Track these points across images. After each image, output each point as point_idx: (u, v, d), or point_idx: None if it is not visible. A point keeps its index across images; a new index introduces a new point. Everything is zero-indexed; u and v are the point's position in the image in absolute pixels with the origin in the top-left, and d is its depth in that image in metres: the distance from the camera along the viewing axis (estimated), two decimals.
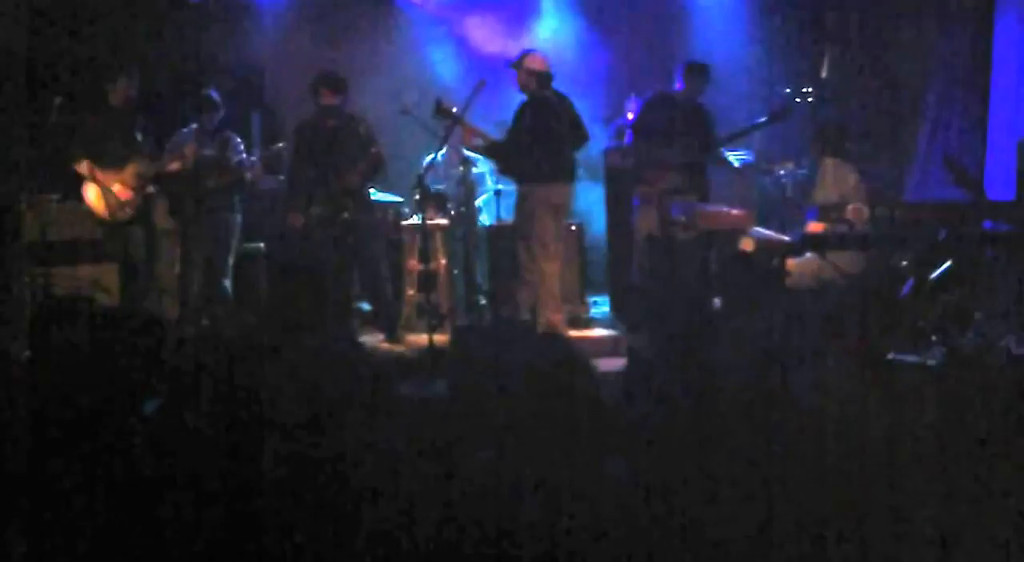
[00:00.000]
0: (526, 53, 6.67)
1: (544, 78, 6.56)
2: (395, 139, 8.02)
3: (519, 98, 6.65)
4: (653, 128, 6.76)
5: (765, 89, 8.20)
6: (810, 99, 7.13)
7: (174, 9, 8.22)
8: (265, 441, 2.57)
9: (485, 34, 8.84)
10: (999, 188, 6.82)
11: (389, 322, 6.94)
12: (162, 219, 7.11)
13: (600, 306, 8.01)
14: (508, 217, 7.48)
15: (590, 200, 8.23)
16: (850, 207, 5.96)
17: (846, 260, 5.87)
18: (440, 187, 7.67)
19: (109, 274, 6.85)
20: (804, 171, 7.25)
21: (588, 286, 7.80)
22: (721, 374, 3.19)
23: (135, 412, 2.81)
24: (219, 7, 8.44)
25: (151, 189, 6.64)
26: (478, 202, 7.83)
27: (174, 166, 6.60)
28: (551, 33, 8.80)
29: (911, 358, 5.08)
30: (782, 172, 7.18)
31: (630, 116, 7.93)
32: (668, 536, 2.34)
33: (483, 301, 7.52)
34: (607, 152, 7.80)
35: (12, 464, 2.59)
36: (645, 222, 6.74)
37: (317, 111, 6.78)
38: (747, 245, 6.17)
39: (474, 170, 7.67)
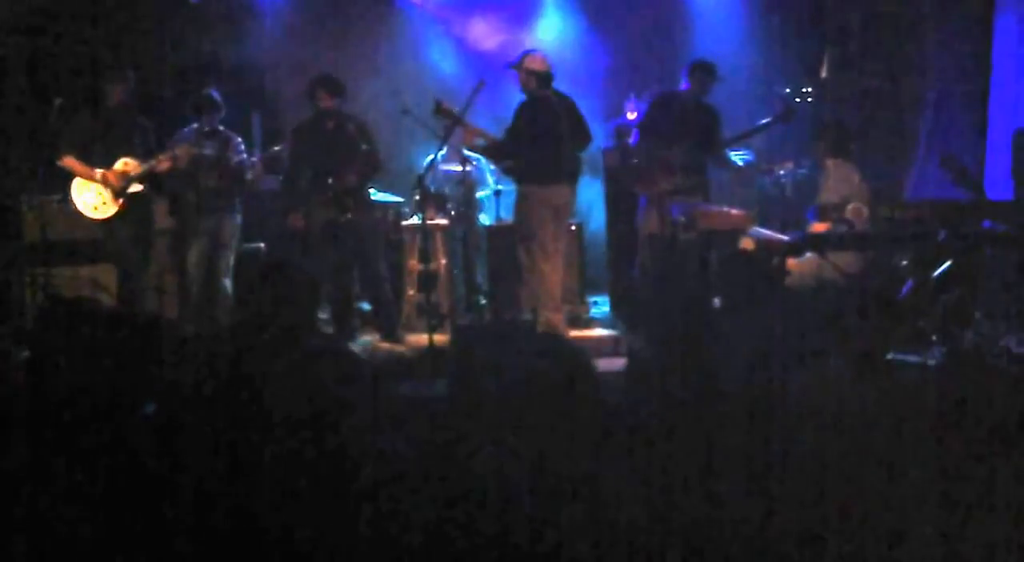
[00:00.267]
0: (526, 53, 6.67)
1: (544, 78, 6.56)
2: (395, 139, 8.03)
3: (520, 98, 6.65)
4: (659, 128, 6.76)
5: (764, 89, 8.20)
6: (810, 99, 7.13)
7: (174, 9, 8.22)
8: (255, 441, 2.58)
9: (485, 34, 8.85)
10: (999, 188, 6.82)
11: (389, 322, 6.94)
12: (162, 219, 7.12)
13: (600, 306, 8.02)
14: (508, 217, 7.48)
15: (590, 200, 8.24)
16: (850, 207, 5.96)
17: (846, 260, 5.87)
18: (440, 187, 7.68)
19: (108, 274, 6.86)
20: (804, 171, 7.25)
21: (589, 286, 7.81)
22: (721, 374, 3.19)
23: (132, 413, 2.81)
24: (219, 7, 8.44)
25: (137, 188, 6.61)
26: (478, 202, 7.83)
27: (163, 165, 6.58)
28: (551, 33, 8.80)
29: (911, 358, 5.08)
30: (782, 172, 7.17)
31: (630, 116, 7.93)
32: (669, 536, 2.34)
33: (483, 301, 7.53)
34: (606, 152, 7.80)
35: (12, 464, 2.60)
36: (651, 222, 6.73)
37: (315, 113, 6.79)
38: (747, 245, 6.16)
39: (474, 170, 7.67)
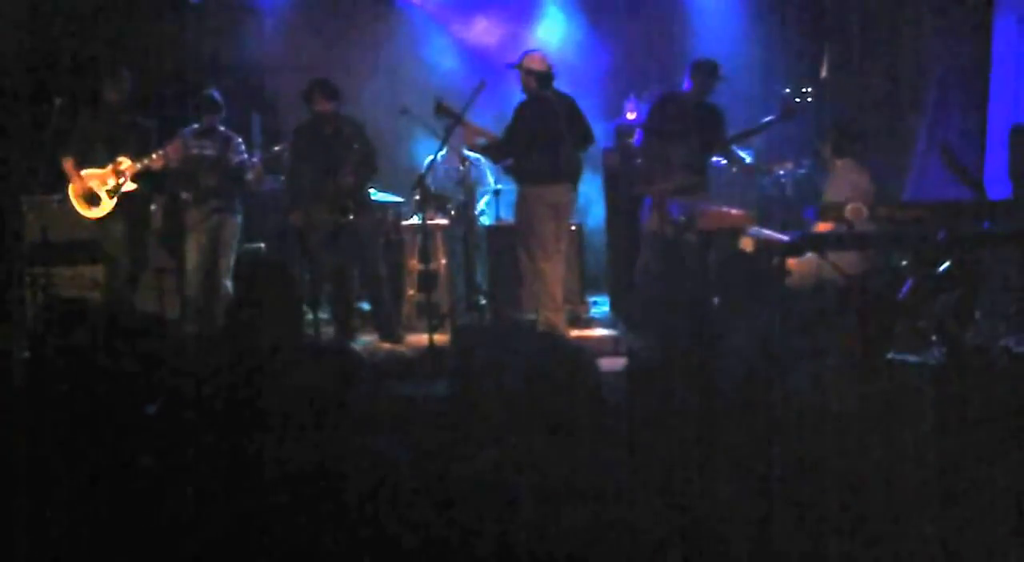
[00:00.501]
0: (527, 53, 6.68)
1: (544, 78, 6.56)
2: (395, 139, 8.03)
3: (520, 97, 6.65)
4: (664, 128, 6.75)
5: (764, 89, 8.20)
6: (809, 99, 7.12)
7: (174, 9, 8.22)
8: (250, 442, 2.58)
9: (485, 34, 8.85)
10: (998, 188, 6.82)
11: (388, 322, 6.94)
12: (161, 218, 7.11)
13: (600, 306, 8.02)
14: (508, 217, 7.48)
15: (590, 200, 8.25)
16: (849, 207, 5.94)
17: (846, 260, 5.86)
18: (440, 187, 7.68)
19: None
20: (804, 171, 7.25)
21: (589, 286, 7.81)
22: (721, 374, 3.19)
23: (133, 412, 2.81)
24: (219, 7, 8.44)
25: (128, 187, 6.61)
26: (478, 202, 7.83)
27: (155, 164, 6.58)
28: (551, 33, 8.80)
29: (911, 358, 5.08)
30: (782, 172, 7.17)
31: (630, 116, 7.93)
32: (669, 534, 2.34)
33: (483, 301, 7.53)
34: (606, 152, 7.80)
35: (12, 464, 2.60)
36: (654, 222, 6.73)
37: (313, 116, 6.80)
38: (747, 245, 6.16)
39: (474, 170, 7.68)
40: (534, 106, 6.54)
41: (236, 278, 6.89)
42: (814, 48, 8.49)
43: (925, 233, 5.21)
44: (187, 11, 8.26)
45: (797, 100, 7.06)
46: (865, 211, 5.68)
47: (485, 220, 7.87)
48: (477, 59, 8.65)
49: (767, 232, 6.16)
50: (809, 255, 5.80)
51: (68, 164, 6.58)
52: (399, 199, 7.75)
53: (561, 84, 6.70)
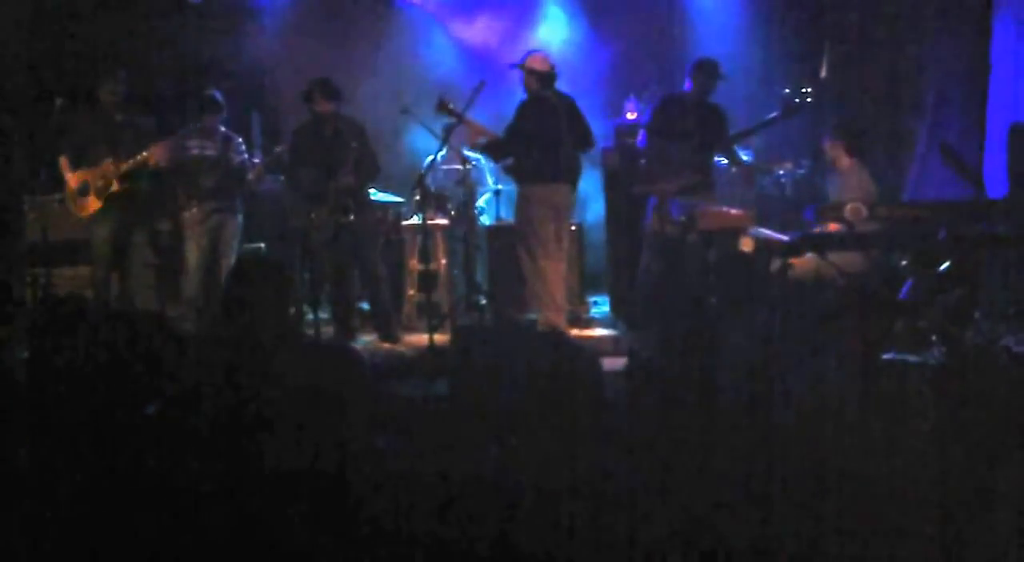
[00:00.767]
0: (531, 53, 6.69)
1: (546, 78, 6.57)
2: (395, 139, 8.03)
3: (521, 97, 6.66)
4: (666, 129, 6.76)
5: (764, 89, 8.20)
6: (809, 99, 7.13)
7: (174, 9, 8.22)
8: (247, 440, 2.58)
9: (485, 34, 8.85)
10: (998, 188, 6.83)
11: (387, 322, 6.94)
12: (160, 218, 7.10)
13: (600, 306, 8.02)
14: (508, 217, 7.47)
15: (590, 200, 8.25)
16: (848, 207, 5.94)
17: (846, 260, 5.87)
18: (440, 187, 7.68)
19: None
20: (804, 171, 7.25)
21: (589, 286, 7.80)
22: (721, 373, 3.19)
23: (132, 412, 2.81)
24: (219, 7, 8.44)
25: (116, 187, 6.60)
26: (478, 202, 7.83)
27: (147, 162, 6.56)
28: (551, 33, 8.80)
29: (911, 358, 5.07)
30: (782, 172, 7.17)
31: (630, 116, 7.93)
32: (669, 534, 2.34)
33: (483, 301, 7.53)
34: (606, 152, 7.80)
35: (12, 464, 2.60)
36: (656, 222, 6.72)
37: (313, 117, 6.80)
38: (747, 245, 6.16)
39: (474, 170, 7.68)
40: (535, 106, 6.55)
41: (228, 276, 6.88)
42: (814, 48, 8.48)
43: (925, 233, 5.21)
44: (187, 11, 8.25)
45: (797, 100, 7.06)
46: (865, 211, 5.69)
47: (485, 220, 7.87)
48: (477, 59, 8.65)
49: (767, 232, 6.17)
50: (809, 255, 5.80)
51: (63, 163, 6.60)
52: (399, 199, 7.75)
53: (561, 84, 6.71)
